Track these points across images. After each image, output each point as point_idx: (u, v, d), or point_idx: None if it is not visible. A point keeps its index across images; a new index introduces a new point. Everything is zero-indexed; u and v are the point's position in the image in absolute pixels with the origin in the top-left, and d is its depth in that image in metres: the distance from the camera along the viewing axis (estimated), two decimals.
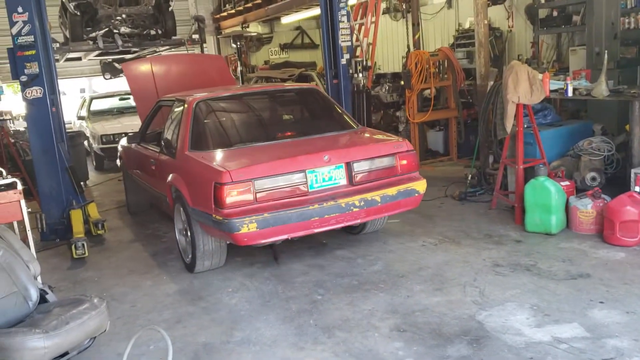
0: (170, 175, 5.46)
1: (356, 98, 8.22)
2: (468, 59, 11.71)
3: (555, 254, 5.00)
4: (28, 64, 6.40)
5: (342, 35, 7.99)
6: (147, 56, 12.03)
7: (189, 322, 4.32)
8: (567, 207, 5.49)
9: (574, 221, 5.45)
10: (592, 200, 5.36)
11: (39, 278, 4.51)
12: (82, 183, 9.78)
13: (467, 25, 12.23)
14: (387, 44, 15.19)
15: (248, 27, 16.23)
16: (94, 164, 12.01)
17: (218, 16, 17.39)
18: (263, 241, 4.80)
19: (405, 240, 5.71)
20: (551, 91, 6.22)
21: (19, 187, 4.79)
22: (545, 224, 5.44)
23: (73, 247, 5.88)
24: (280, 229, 4.65)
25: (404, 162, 5.20)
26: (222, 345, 3.94)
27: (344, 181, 4.97)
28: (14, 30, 6.31)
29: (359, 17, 9.94)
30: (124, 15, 10.76)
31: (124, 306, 4.73)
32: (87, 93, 15.80)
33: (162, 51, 12.44)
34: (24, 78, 6.41)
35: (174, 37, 11.23)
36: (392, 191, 5.02)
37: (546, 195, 5.41)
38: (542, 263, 4.81)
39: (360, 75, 8.13)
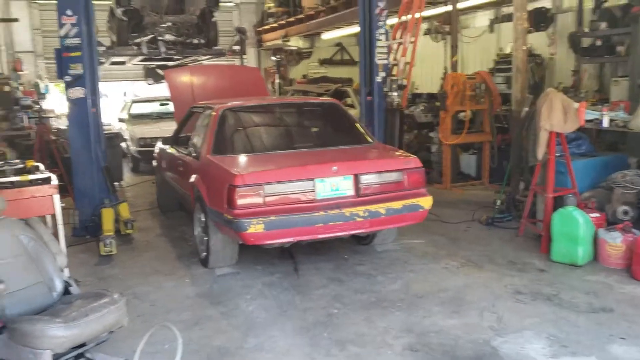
0: (193, 176, 5.79)
1: (389, 116, 8.25)
2: (507, 84, 11.63)
3: (579, 285, 4.91)
4: (73, 65, 6.63)
5: (378, 53, 8.07)
6: (190, 64, 12.33)
7: (206, 325, 4.38)
8: (596, 239, 5.39)
9: (601, 254, 5.35)
10: (622, 234, 5.25)
11: (66, 271, 4.66)
12: (116, 183, 10.06)
13: (507, 50, 12.16)
14: (427, 64, 15.18)
15: (289, 40, 16.49)
16: (131, 165, 12.30)
17: (260, 29, 17.73)
18: (269, 242, 5.02)
19: (427, 261, 5.69)
20: (586, 121, 6.14)
21: (54, 182, 4.96)
22: (572, 255, 5.35)
23: (102, 244, 6.02)
24: (285, 232, 4.90)
25: (412, 178, 5.39)
26: (236, 350, 3.99)
27: (351, 192, 5.18)
28: (62, 32, 6.56)
29: (398, 36, 9.99)
30: (168, 23, 11.06)
31: (144, 304, 4.83)
32: (129, 96, 16.17)
33: (203, 60, 12.71)
34: (68, 78, 6.65)
35: (215, 47, 11.48)
36: (397, 205, 5.20)
37: (574, 225, 5.33)
38: (565, 294, 4.73)
39: (395, 93, 8.16)
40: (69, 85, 6.68)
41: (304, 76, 17.39)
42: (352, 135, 6.22)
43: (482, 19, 13.68)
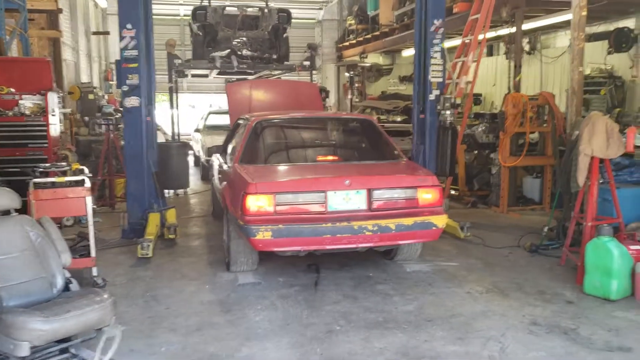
0: (224, 183, 6.10)
1: (441, 134, 8.06)
2: (584, 106, 11.03)
3: (603, 321, 4.55)
4: (130, 76, 7.03)
5: (432, 71, 7.92)
6: (265, 78, 12.69)
7: (208, 332, 4.47)
8: (634, 274, 4.98)
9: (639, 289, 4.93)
10: None
11: (94, 269, 5.01)
12: (180, 191, 10.52)
13: (587, 71, 11.53)
14: (504, 83, 14.69)
15: (366, 57, 16.56)
16: (201, 173, 12.79)
17: (341, 45, 17.92)
18: (277, 249, 5.20)
19: (452, 285, 5.50)
20: (636, 147, 5.70)
21: (87, 184, 5.28)
22: (605, 289, 4.97)
23: (139, 247, 6.28)
24: (292, 241, 5.06)
25: (427, 195, 5.39)
26: (227, 358, 4.05)
27: (363, 206, 5.24)
28: (122, 44, 7.00)
29: (462, 55, 9.76)
30: (242, 39, 11.47)
31: (159, 307, 5.00)
32: (214, 108, 16.86)
33: (277, 75, 13.02)
34: (125, 88, 7.06)
35: (285, 62, 11.76)
36: (408, 221, 5.22)
37: (608, 257, 4.95)
38: (584, 329, 4.40)
39: (448, 112, 7.96)
40: (125, 95, 7.08)
41: (383, 92, 17.34)
42: (381, 151, 6.26)
43: (564, 39, 13.06)
